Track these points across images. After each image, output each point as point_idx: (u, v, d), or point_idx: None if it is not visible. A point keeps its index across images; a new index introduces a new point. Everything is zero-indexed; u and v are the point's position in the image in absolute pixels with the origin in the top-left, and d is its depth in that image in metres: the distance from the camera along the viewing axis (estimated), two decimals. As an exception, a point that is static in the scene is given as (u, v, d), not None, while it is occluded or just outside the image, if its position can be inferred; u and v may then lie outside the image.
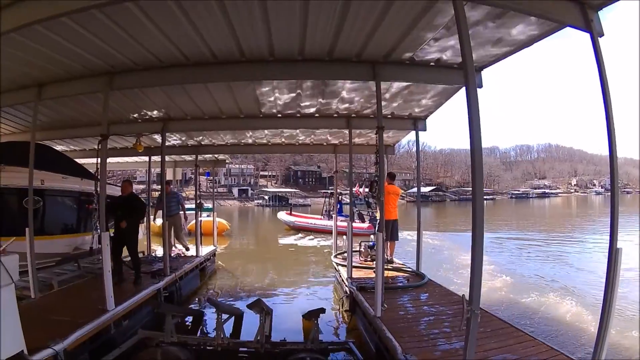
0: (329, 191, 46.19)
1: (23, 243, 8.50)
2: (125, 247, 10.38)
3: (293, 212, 40.57)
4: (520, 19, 6.08)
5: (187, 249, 15.79)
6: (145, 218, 14.64)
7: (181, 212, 15.64)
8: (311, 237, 31.86)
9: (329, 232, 27.64)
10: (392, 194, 12.62)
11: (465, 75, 4.51)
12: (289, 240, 30.75)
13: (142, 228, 17.40)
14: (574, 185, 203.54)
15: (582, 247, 24.52)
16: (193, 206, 18.19)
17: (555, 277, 15.47)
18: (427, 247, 19.84)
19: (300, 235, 33.09)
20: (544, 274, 16.00)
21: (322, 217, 36.32)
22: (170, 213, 13.94)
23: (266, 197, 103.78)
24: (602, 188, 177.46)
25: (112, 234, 9.49)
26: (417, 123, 11.88)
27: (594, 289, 11.85)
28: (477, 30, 6.47)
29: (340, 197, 32.73)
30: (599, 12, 5.35)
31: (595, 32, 5.20)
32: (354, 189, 34.61)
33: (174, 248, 15.84)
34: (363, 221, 31.23)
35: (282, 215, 40.00)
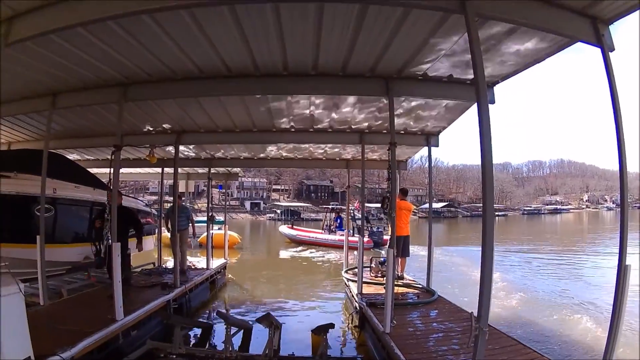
0: (329, 206, 47.75)
1: (34, 250, 8.56)
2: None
3: (294, 226, 41.63)
4: (532, 34, 6.07)
5: (185, 268, 14.25)
6: (157, 230, 14.68)
7: (189, 227, 14.86)
8: (312, 250, 32.19)
9: (330, 246, 32.54)
10: (404, 210, 12.54)
11: (477, 91, 4.51)
12: (290, 253, 31.40)
13: (153, 239, 17.49)
14: (586, 200, 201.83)
15: (594, 262, 24.34)
16: (204, 219, 18.23)
17: (569, 293, 15.37)
18: (439, 263, 19.76)
19: (301, 248, 33.81)
20: (558, 290, 15.96)
21: (323, 231, 37.36)
22: (179, 228, 13.24)
23: (278, 211, 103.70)
24: (613, 203, 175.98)
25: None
26: (429, 139, 11.86)
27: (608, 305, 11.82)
28: (489, 46, 6.46)
29: (339, 212, 38.80)
30: (609, 27, 5.34)
31: (606, 47, 5.20)
32: (352, 205, 36.80)
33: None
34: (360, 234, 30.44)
35: (284, 228, 41.19)
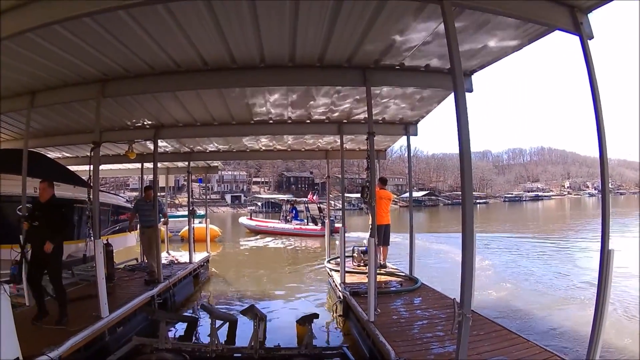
0: (286, 198, 51.53)
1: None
2: (49, 272, 7.88)
3: (253, 217, 46.52)
4: (510, 23, 6.10)
5: (152, 275, 11.77)
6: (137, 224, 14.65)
7: (162, 224, 13.76)
8: (271, 238, 35.57)
9: (286, 234, 36.73)
10: (384, 199, 12.59)
11: (453, 80, 4.55)
12: (252, 242, 33.79)
13: (135, 235, 17.42)
14: (567, 187, 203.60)
15: (577, 248, 24.68)
16: (185, 213, 18.16)
17: (554, 278, 15.65)
18: (422, 250, 19.93)
19: (258, 237, 37.02)
20: (542, 276, 16.27)
21: (280, 221, 41.39)
22: (149, 224, 12.24)
23: (259, 204, 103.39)
24: (595, 190, 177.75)
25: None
26: (408, 128, 11.94)
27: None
28: (466, 34, 6.49)
29: (294, 204, 44.01)
30: (588, 15, 5.39)
31: (584, 35, 5.22)
32: (307, 197, 48.27)
33: (166, 255, 15.88)
34: (316, 224, 36.98)
35: (243, 219, 44.24)
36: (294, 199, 50.33)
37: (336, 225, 32.46)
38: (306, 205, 42.97)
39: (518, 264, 19.22)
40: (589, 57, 5.14)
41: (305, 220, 38.99)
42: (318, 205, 44.22)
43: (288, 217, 40.69)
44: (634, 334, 8.95)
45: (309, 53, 7.45)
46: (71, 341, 6.37)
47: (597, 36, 5.39)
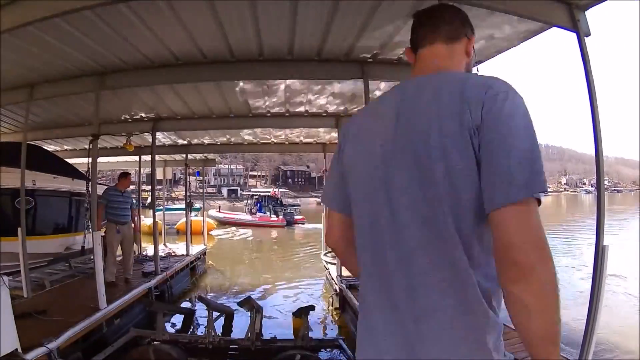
0: (251, 193, 57.94)
1: (15, 243, 8.53)
2: None
3: (221, 210, 49.66)
4: (506, 19, 6.09)
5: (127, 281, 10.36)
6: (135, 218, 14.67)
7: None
8: (239, 229, 38.48)
9: (251, 225, 40.29)
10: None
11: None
12: (219, 233, 35.44)
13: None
14: (564, 184, 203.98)
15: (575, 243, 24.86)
16: (182, 206, 18.20)
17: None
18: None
19: (226, 228, 39.06)
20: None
21: (246, 213, 45.59)
22: (123, 219, 10.55)
23: (255, 197, 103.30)
24: (591, 187, 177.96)
25: None
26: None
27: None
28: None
29: (259, 198, 47.93)
30: (585, 12, 5.38)
31: (581, 32, 5.18)
32: (270, 191, 56.61)
33: (163, 247, 15.91)
34: (277, 216, 42.41)
35: (212, 212, 46.16)
36: (259, 193, 55.01)
37: (296, 217, 43.95)
38: (272, 199, 49.35)
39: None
40: (585, 54, 5.12)
41: (268, 213, 43.26)
42: (279, 200, 51.72)
43: (253, 210, 44.77)
44: (622, 331, 9.01)
45: (308, 46, 7.44)
46: (69, 332, 6.39)
47: (594, 34, 5.40)
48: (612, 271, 13.74)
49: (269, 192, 57.45)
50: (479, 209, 1.38)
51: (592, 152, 5.19)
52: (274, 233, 36.74)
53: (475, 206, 1.39)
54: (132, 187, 13.39)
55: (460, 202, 1.40)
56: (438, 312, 1.42)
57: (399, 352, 1.47)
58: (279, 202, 50.36)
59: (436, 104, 1.48)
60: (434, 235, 1.44)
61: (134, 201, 11.97)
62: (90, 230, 8.46)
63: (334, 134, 13.20)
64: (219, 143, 15.98)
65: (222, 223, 41.17)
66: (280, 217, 42.46)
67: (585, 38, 5.21)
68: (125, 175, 11.06)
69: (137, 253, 14.87)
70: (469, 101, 1.42)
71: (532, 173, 1.32)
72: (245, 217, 43.39)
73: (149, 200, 22.54)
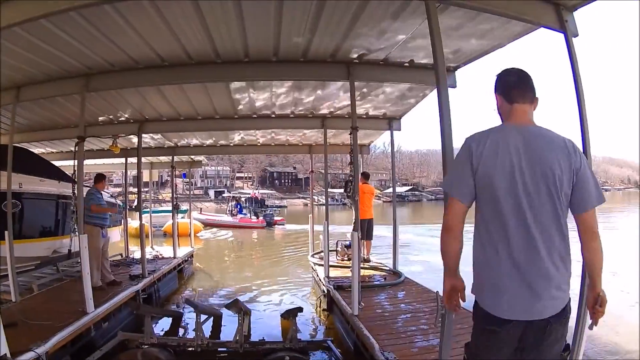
0: (231, 195, 59.49)
1: (2, 247, 8.47)
2: None
3: (203, 212, 49.77)
4: (494, 19, 6.14)
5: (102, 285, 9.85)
6: (122, 220, 14.50)
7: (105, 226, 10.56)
8: (221, 230, 39.34)
9: (232, 227, 40.97)
10: (366, 193, 12.67)
11: (436, 75, 4.56)
12: (207, 234, 36.40)
13: (119, 230, 17.38)
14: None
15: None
16: (169, 208, 18.13)
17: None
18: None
19: (207, 229, 39.20)
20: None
21: (227, 214, 45.81)
22: (105, 222, 10.31)
23: (243, 199, 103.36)
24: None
25: None
26: (391, 123, 12.02)
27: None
28: (450, 30, 6.53)
29: (238, 200, 50.27)
30: (573, 13, 5.41)
31: (569, 33, 5.22)
32: (250, 193, 59.52)
33: (150, 250, 15.84)
34: (257, 218, 43.87)
35: (194, 214, 45.85)
36: (239, 195, 57.72)
37: (276, 218, 45.79)
38: (253, 200, 53.10)
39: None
40: (573, 55, 5.15)
41: (249, 214, 44.79)
42: (259, 201, 56.15)
43: (233, 212, 45.37)
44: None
45: (294, 48, 7.47)
46: (57, 337, 6.35)
47: (582, 34, 5.44)
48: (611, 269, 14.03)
49: (249, 193, 59.08)
50: (573, 208, 2.90)
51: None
52: (254, 234, 37.27)
53: (567, 207, 2.88)
54: (113, 189, 13.30)
55: (563, 205, 2.84)
56: (555, 251, 2.82)
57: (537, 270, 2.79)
58: (258, 203, 54.36)
59: (553, 150, 2.86)
60: (555, 217, 2.83)
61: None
62: (77, 233, 8.39)
63: (320, 135, 13.17)
64: (205, 145, 15.91)
65: (204, 225, 40.68)
66: (260, 218, 43.93)
67: (572, 38, 5.25)
68: (103, 176, 11.13)
69: (124, 256, 14.85)
70: (570, 154, 2.86)
71: (599, 194, 2.90)
72: (226, 218, 44.18)
73: (135, 203, 22.48)
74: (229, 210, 46.92)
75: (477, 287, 3.02)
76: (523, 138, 2.88)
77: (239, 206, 46.56)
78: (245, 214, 44.74)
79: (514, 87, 3.11)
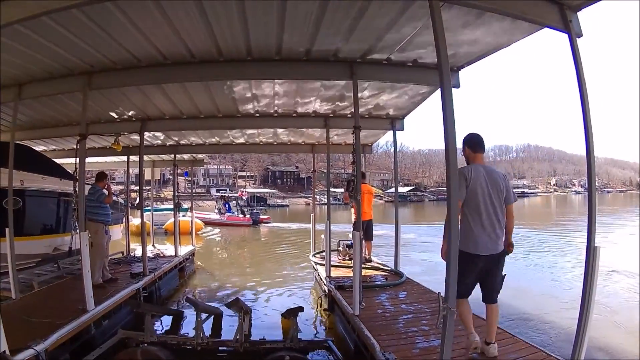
0: (219, 194, 63.40)
1: (3, 244, 8.46)
2: None
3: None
4: (498, 19, 6.11)
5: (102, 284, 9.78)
6: (124, 218, 14.49)
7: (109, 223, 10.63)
8: (207, 227, 39.33)
9: (220, 224, 42.58)
10: (366, 193, 12.58)
11: (440, 75, 4.53)
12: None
13: (121, 228, 17.38)
14: (554, 184, 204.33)
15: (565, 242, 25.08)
16: (170, 206, 18.11)
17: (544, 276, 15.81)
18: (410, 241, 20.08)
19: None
20: (532, 272, 16.33)
21: (215, 213, 47.83)
22: (107, 219, 10.30)
23: (245, 198, 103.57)
24: (581, 187, 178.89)
25: None
26: (394, 122, 11.98)
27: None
28: (454, 30, 6.49)
29: (227, 199, 52.77)
30: (577, 13, 5.38)
31: (573, 33, 5.19)
32: (237, 193, 63.86)
33: (152, 248, 15.83)
34: (244, 215, 46.29)
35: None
36: (227, 194, 63.14)
37: (261, 216, 48.33)
38: (240, 199, 55.68)
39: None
40: (577, 55, 5.13)
41: (236, 213, 46.82)
42: (246, 200, 60.15)
43: (222, 210, 47.18)
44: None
45: (296, 47, 7.45)
46: (57, 334, 6.35)
47: (586, 34, 5.41)
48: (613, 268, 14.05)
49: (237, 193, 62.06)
50: (505, 204, 5.74)
51: (582, 152, 5.37)
52: (241, 231, 38.46)
53: (504, 203, 5.73)
54: (115, 187, 13.29)
55: (502, 203, 5.70)
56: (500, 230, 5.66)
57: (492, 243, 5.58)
58: (245, 202, 59.17)
59: (498, 177, 5.76)
60: (500, 210, 5.65)
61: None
62: (78, 230, 8.38)
63: (323, 134, 13.14)
64: (207, 143, 15.86)
65: None
66: (247, 216, 46.44)
67: (577, 39, 5.23)
68: (105, 175, 10.95)
69: (125, 254, 14.83)
70: (504, 179, 5.87)
71: (515, 197, 5.98)
72: (215, 216, 46.07)
73: (137, 201, 22.48)
74: (217, 209, 48.85)
75: (463, 242, 5.33)
76: (485, 171, 5.69)
77: (227, 205, 48.52)
78: (233, 212, 46.81)
79: (477, 144, 5.88)
